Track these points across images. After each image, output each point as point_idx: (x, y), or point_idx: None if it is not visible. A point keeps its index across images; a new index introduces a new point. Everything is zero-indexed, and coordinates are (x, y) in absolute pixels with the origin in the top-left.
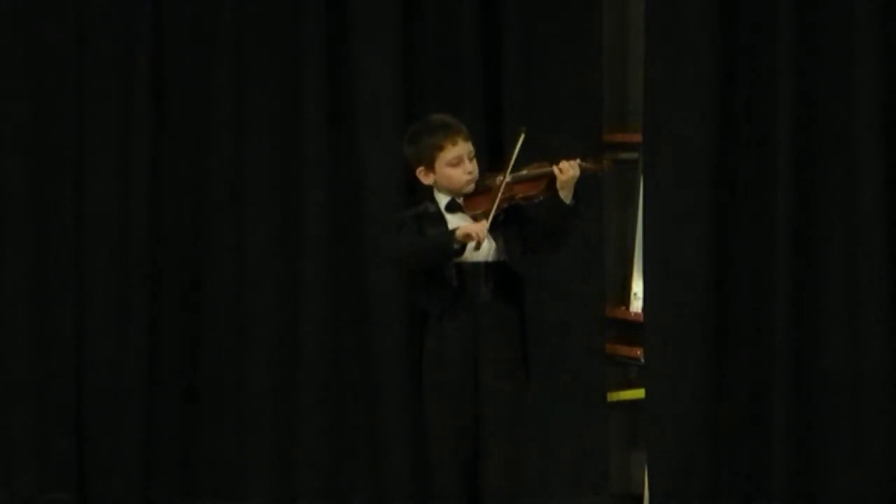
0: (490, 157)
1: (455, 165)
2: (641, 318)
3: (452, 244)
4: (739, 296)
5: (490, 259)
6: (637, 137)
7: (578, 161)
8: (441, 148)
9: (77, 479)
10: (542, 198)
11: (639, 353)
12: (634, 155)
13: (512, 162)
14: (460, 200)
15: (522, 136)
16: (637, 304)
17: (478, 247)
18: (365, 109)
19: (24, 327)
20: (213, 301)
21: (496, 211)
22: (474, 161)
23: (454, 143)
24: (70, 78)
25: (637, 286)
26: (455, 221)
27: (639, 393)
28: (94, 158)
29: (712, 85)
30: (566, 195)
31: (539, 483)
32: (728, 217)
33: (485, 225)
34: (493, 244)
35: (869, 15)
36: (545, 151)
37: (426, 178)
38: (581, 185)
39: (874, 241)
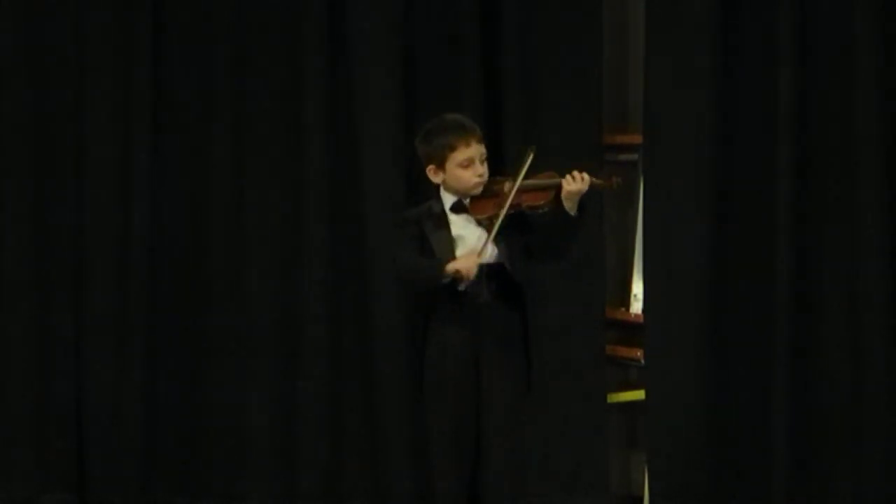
0: (490, 159)
1: (466, 167)
2: (641, 320)
3: (441, 278)
4: (739, 296)
5: (491, 261)
6: (637, 138)
7: (588, 175)
8: (453, 148)
9: (77, 479)
10: (547, 208)
11: (639, 354)
12: (634, 156)
13: (520, 177)
14: (466, 202)
15: (531, 157)
16: (637, 306)
17: (465, 284)
18: (365, 109)
19: (24, 328)
20: (213, 301)
21: (501, 221)
22: (485, 164)
23: (467, 145)
24: (70, 78)
25: (637, 287)
26: (459, 223)
27: (639, 394)
28: (94, 161)
29: (712, 85)
30: (571, 206)
31: (539, 484)
32: (728, 218)
33: (476, 261)
34: (495, 247)
35: (868, 15)
36: (545, 152)
37: (436, 177)
38: (587, 198)
39: (874, 241)
